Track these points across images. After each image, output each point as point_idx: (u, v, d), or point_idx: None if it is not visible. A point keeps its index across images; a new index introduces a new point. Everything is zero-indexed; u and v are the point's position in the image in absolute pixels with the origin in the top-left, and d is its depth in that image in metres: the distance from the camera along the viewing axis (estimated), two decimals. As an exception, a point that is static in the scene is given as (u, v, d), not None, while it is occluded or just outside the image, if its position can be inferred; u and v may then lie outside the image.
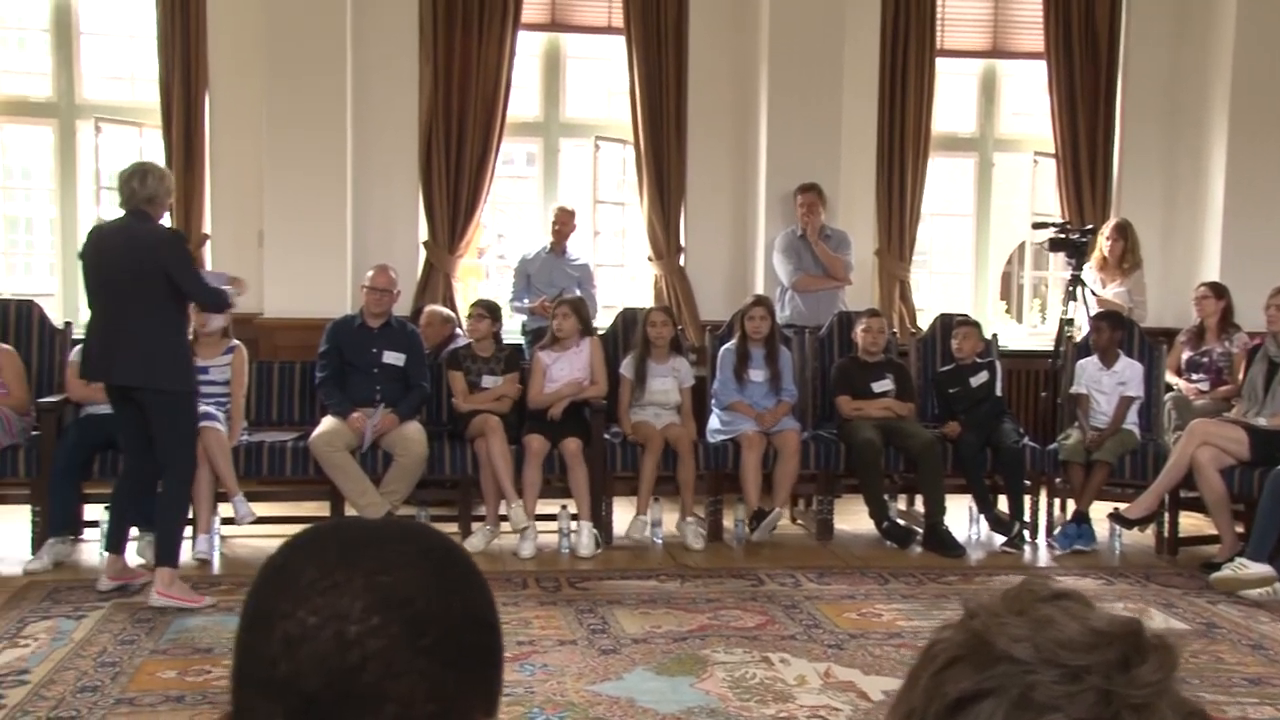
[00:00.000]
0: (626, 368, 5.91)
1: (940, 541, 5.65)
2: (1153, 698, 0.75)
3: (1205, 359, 6.18)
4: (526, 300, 6.64)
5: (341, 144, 6.67)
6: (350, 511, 5.40)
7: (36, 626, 4.21)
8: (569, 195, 7.24)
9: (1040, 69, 7.51)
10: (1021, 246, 8.51)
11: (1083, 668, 0.75)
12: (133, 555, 5.03)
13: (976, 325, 6.26)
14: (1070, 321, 6.45)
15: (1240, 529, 5.45)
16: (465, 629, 0.87)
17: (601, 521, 5.64)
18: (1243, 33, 7.14)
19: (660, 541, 5.71)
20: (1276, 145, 7.18)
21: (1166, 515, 5.69)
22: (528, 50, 7.16)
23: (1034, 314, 8.41)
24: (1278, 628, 4.56)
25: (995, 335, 6.60)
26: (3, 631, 4.14)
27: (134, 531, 5.01)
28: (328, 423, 5.48)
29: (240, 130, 6.73)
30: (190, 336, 5.05)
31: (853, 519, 6.12)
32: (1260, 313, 5.72)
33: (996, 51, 7.66)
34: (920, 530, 5.80)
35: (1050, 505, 6.02)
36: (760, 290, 6.68)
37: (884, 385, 6.03)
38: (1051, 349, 6.60)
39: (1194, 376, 6.19)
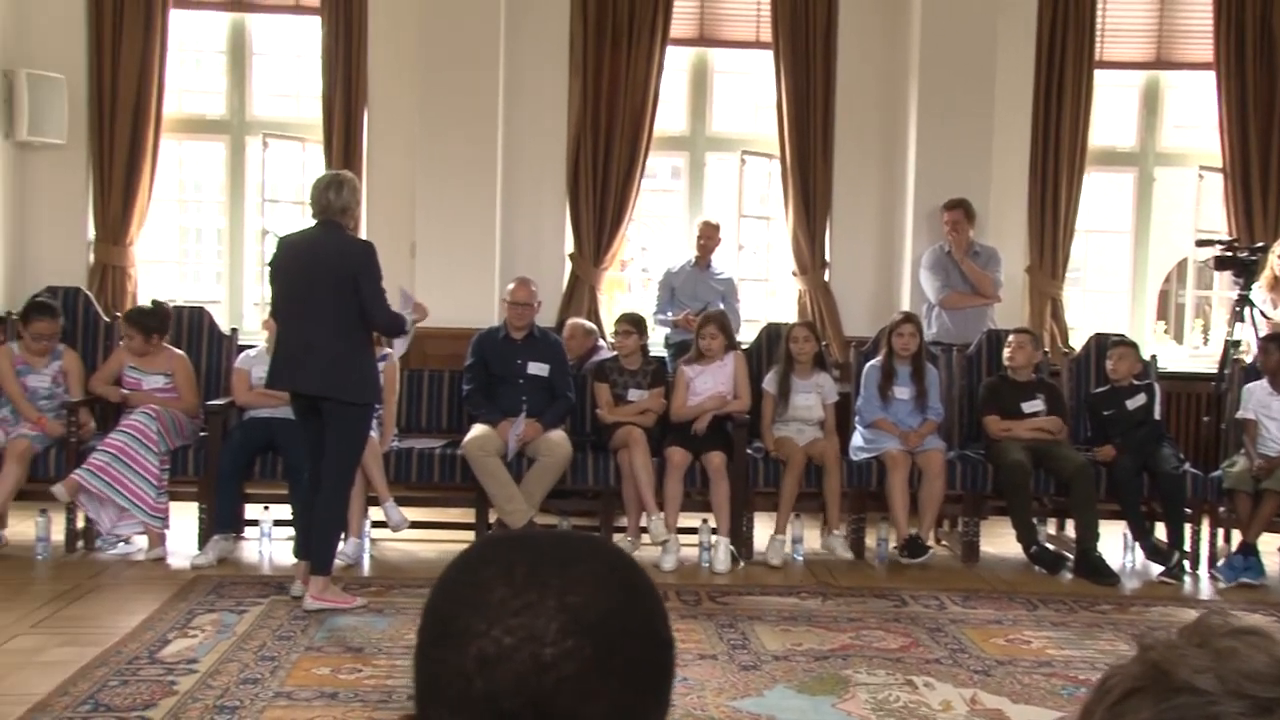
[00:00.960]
0: (769, 383, 5.89)
1: (1093, 568, 5.46)
2: None
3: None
4: (670, 314, 6.67)
5: (492, 157, 6.82)
6: (493, 517, 5.53)
7: (203, 619, 4.43)
8: (714, 209, 7.26)
9: (1207, 80, 7.22)
10: (1182, 264, 8.18)
11: (1274, 700, 0.72)
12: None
13: (1134, 346, 6.05)
14: (1237, 343, 6.18)
15: None
16: (650, 648, 0.88)
17: (742, 537, 5.63)
18: None
19: (801, 558, 5.67)
20: None
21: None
22: (676, 65, 7.22)
23: (1195, 334, 8.07)
24: None
25: (1154, 356, 6.35)
26: (174, 622, 4.37)
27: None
28: (479, 428, 5.60)
29: (395, 145, 6.94)
30: None
31: (999, 541, 5.97)
32: None
33: (1160, 62, 7.39)
34: (1070, 556, 5.62)
35: (1213, 535, 5.76)
36: (906, 307, 6.58)
37: (1034, 406, 5.87)
38: (1214, 371, 6.32)
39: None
